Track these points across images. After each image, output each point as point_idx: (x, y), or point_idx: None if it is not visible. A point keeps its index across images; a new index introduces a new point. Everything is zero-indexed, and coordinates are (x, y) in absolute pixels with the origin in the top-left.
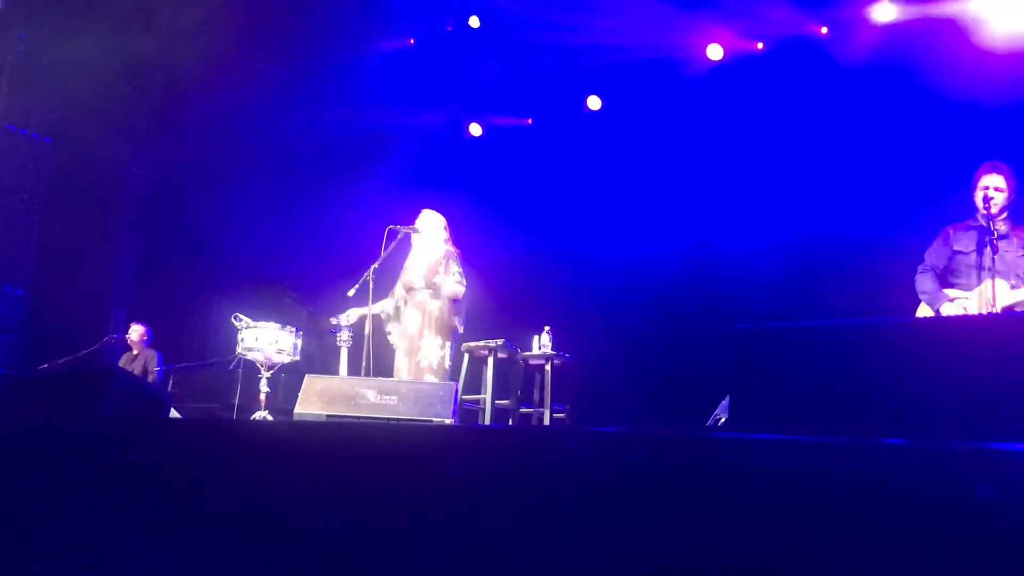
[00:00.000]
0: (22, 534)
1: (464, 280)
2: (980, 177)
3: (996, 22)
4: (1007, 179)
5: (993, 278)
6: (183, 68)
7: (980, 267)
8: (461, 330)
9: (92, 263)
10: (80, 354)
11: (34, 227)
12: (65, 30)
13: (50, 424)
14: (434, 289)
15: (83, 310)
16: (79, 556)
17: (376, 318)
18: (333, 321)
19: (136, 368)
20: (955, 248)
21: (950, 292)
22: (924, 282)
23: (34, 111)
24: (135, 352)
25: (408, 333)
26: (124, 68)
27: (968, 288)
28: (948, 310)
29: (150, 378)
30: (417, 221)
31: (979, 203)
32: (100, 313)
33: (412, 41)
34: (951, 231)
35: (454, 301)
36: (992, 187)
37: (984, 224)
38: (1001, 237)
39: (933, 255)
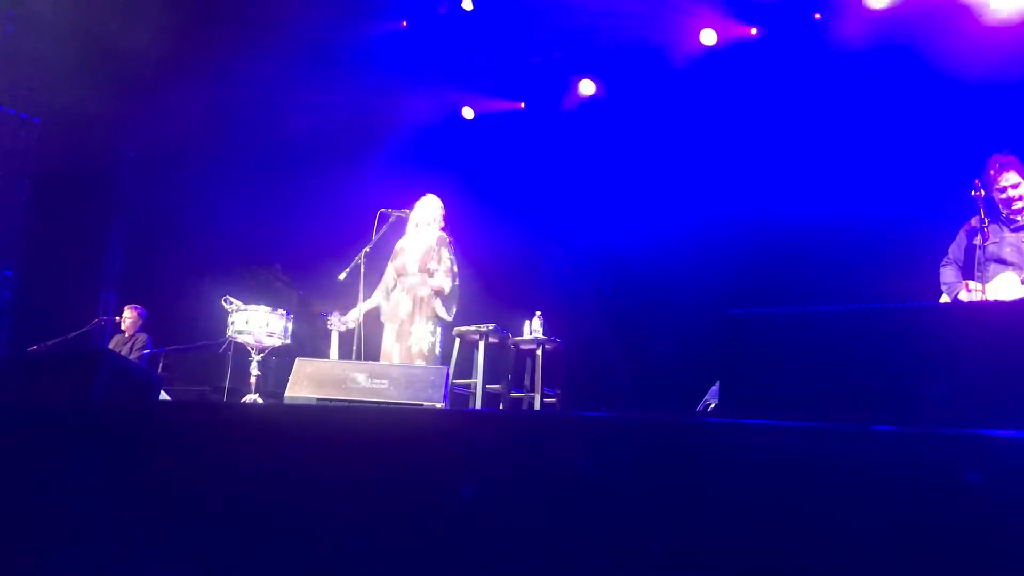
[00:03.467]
0: (9, 517)
1: (456, 271)
2: (997, 177)
3: (995, 1)
4: (1019, 172)
5: (985, 267)
6: (173, 50)
7: (990, 259)
8: (449, 319)
9: (82, 245)
10: (70, 336)
11: (24, 209)
12: (54, 9)
13: (39, 406)
14: (427, 274)
15: (73, 292)
16: (67, 539)
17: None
18: (338, 322)
19: (125, 350)
20: (974, 241)
21: (969, 283)
22: (945, 274)
23: (23, 91)
24: (127, 335)
25: (398, 316)
26: (114, 49)
27: (983, 280)
28: (964, 297)
29: (133, 357)
30: (416, 204)
31: (1001, 205)
32: (90, 295)
33: (405, 23)
34: (972, 223)
35: (438, 293)
36: (1010, 186)
37: (982, 218)
38: (1017, 228)
39: (955, 248)
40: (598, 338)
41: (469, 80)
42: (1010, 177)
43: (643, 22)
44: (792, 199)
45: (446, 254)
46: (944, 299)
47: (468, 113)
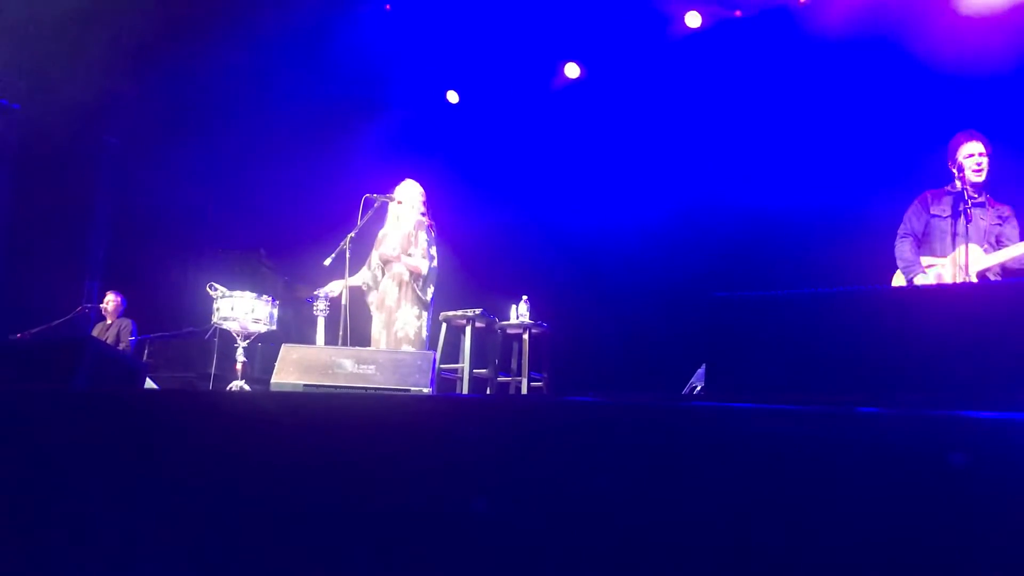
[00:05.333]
0: None
1: (432, 254)
2: (962, 145)
3: None
4: (986, 145)
5: (967, 244)
6: (155, 34)
7: (955, 233)
8: (426, 299)
9: (65, 232)
10: (53, 324)
11: (5, 196)
12: None
13: (20, 394)
14: (406, 257)
15: (56, 279)
16: (47, 530)
17: (356, 289)
18: (317, 293)
19: (109, 337)
20: (932, 212)
21: (925, 260)
22: (903, 249)
23: (1, 77)
24: (109, 321)
25: (386, 304)
26: (95, 35)
27: (943, 254)
28: (921, 281)
29: (122, 347)
30: (396, 190)
31: (967, 172)
32: (74, 282)
33: (388, 7)
34: (929, 196)
35: (415, 274)
36: (978, 153)
37: (960, 191)
38: (976, 205)
39: (912, 220)
40: (585, 322)
41: (454, 63)
42: (978, 146)
43: (629, 4)
44: (779, 182)
45: (423, 236)
46: (898, 276)
47: (453, 97)
